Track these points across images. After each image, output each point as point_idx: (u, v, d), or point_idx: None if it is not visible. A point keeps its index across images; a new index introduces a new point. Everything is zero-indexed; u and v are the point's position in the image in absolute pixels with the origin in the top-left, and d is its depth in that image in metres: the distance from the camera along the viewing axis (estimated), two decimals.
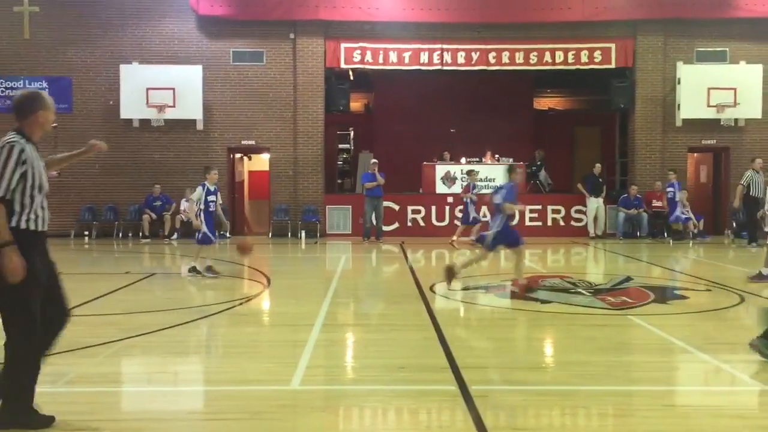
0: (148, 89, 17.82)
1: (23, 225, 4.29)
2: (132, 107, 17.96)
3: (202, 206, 11.07)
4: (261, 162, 20.32)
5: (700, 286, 10.27)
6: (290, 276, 12.13)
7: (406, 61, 18.63)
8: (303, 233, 18.09)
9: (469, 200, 16.01)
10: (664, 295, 9.55)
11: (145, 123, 18.20)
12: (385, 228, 17.77)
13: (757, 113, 17.86)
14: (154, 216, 17.80)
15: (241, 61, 18.56)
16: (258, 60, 18.60)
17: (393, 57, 18.61)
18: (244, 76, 18.59)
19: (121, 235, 17.93)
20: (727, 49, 18.37)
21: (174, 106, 17.83)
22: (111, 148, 19.07)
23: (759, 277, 10.53)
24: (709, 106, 17.78)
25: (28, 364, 4.31)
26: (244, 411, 4.74)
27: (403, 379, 5.45)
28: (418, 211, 18.52)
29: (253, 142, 18.80)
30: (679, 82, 18.10)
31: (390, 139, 21.43)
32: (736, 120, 18.20)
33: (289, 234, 18.29)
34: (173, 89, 17.80)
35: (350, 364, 6.22)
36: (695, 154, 19.77)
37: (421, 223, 18.48)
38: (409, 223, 18.47)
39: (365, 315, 8.81)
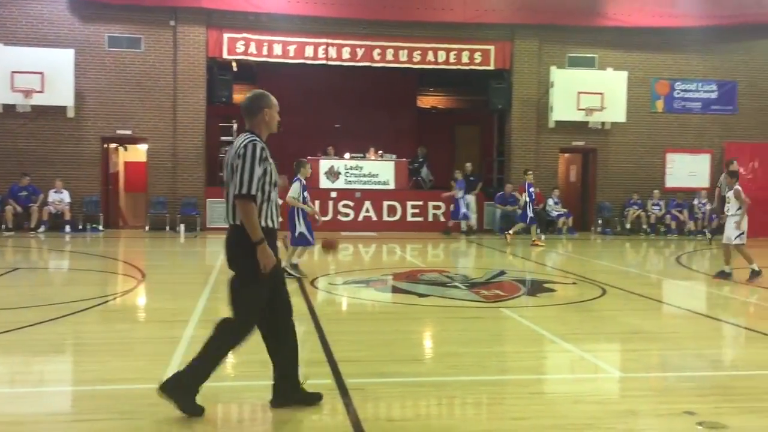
0: (13, 72, 16.73)
1: (263, 222, 4.39)
2: None
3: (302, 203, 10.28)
4: (138, 153, 19.55)
5: (567, 280, 10.84)
6: (167, 270, 11.77)
7: (291, 54, 18.49)
8: (182, 227, 17.59)
9: (527, 200, 16.09)
10: (534, 288, 10.01)
11: (9, 108, 17.08)
12: None
13: (621, 117, 19.04)
14: (18, 208, 16.75)
15: (118, 47, 17.78)
16: (135, 46, 17.88)
17: (277, 49, 18.43)
18: (121, 63, 17.82)
19: None
20: (596, 55, 19.46)
21: (42, 92, 16.83)
22: None
23: (722, 275, 10.94)
24: (578, 109, 18.78)
25: (228, 348, 4.54)
26: (112, 411, 4.56)
27: None
28: None
29: (129, 132, 18.07)
30: (552, 86, 19.00)
31: (273, 132, 21.17)
32: (603, 123, 19.32)
33: (168, 227, 17.73)
34: (41, 73, 16.79)
35: (226, 360, 6.10)
36: (566, 155, 20.82)
37: None
38: None
39: None
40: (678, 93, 19.74)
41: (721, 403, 4.86)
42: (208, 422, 4.43)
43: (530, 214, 16.21)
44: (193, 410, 4.40)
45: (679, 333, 7.45)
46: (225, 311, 8.23)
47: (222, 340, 4.49)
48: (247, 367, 5.74)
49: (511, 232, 16.52)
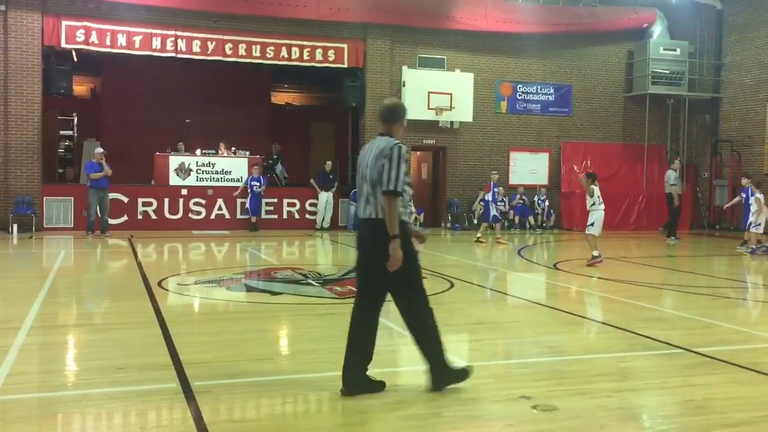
0: None
1: (404, 217, 4.86)
2: None
3: None
4: None
5: None
6: None
7: (137, 45, 17.69)
8: (15, 227, 16.30)
9: (489, 199, 16.07)
10: None
11: None
12: (112, 221, 16.72)
13: (469, 117, 19.83)
14: None
15: None
16: None
17: (122, 40, 17.55)
18: None
19: None
20: (445, 57, 20.12)
21: None
22: None
23: (592, 259, 12.25)
24: (429, 108, 19.34)
25: (436, 329, 5.03)
26: None
27: (121, 381, 5.16)
28: (150, 204, 17.69)
29: None
30: (404, 85, 19.45)
31: (119, 126, 20.24)
32: (451, 122, 20.03)
33: None
34: None
35: (62, 368, 5.74)
36: (418, 153, 21.40)
37: (153, 216, 17.69)
38: (140, 216, 17.58)
39: (84, 315, 8.21)
40: (520, 95, 20.85)
41: (553, 387, 5.18)
42: None
43: (493, 212, 16.36)
44: (461, 375, 5.07)
45: (519, 322, 7.87)
46: (63, 316, 7.82)
47: (425, 324, 4.99)
48: (83, 375, 5.44)
49: (479, 234, 16.53)
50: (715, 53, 21.50)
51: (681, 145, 22.04)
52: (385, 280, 4.86)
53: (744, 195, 15.60)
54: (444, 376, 5.02)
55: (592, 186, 12.64)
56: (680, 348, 6.39)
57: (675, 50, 20.99)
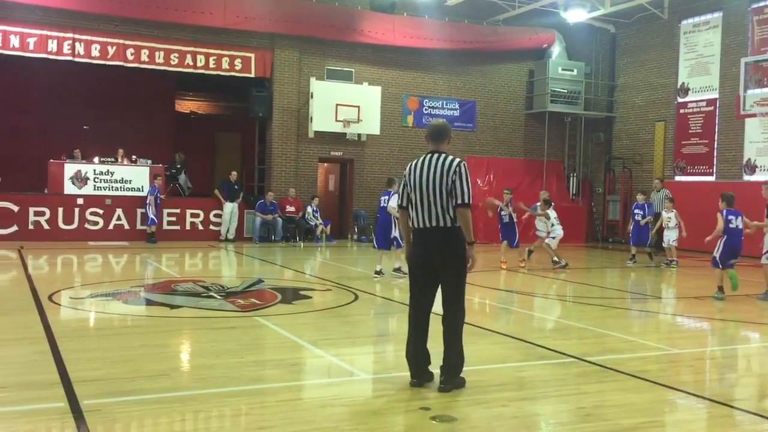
0: None
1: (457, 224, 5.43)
2: None
3: None
4: None
5: (323, 287, 11.12)
6: None
7: (31, 47, 16.93)
8: None
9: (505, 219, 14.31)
10: (290, 295, 10.12)
11: None
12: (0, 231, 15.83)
13: (376, 130, 19.98)
14: None
15: None
16: None
17: (15, 41, 16.76)
18: None
19: None
20: (353, 70, 20.24)
21: None
22: None
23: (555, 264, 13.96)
24: (337, 120, 19.37)
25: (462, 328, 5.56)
26: None
27: (4, 400, 4.86)
28: (42, 213, 16.86)
29: None
30: (311, 97, 19.41)
31: (10, 132, 19.25)
32: (359, 135, 20.13)
33: None
34: None
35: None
36: (325, 164, 21.38)
37: (46, 226, 16.86)
38: (31, 226, 16.72)
39: None
40: (426, 109, 21.20)
41: (452, 398, 5.27)
42: None
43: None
44: (464, 382, 5.51)
45: None
46: None
47: (459, 326, 5.50)
48: None
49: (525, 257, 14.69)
50: (609, 74, 22.59)
51: (577, 162, 23.00)
52: (444, 282, 5.44)
53: (640, 211, 15.48)
54: (455, 379, 5.46)
55: (548, 210, 14.15)
56: (574, 357, 6.64)
57: (572, 71, 21.91)
